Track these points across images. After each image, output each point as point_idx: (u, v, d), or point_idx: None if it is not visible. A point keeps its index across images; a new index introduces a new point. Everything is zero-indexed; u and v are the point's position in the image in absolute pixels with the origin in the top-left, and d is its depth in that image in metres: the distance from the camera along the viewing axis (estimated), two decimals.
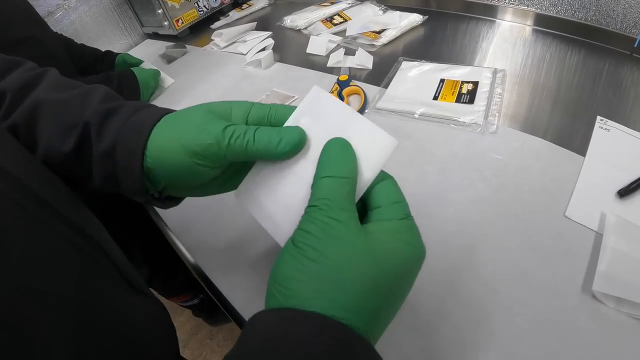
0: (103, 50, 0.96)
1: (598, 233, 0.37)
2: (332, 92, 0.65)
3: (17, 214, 0.18)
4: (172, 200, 0.32)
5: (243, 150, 0.24)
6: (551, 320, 0.31)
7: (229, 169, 0.29)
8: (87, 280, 0.20)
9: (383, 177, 0.24)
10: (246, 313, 0.36)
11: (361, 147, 0.24)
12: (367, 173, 0.23)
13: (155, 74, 0.85)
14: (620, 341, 0.30)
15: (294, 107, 0.27)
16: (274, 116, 0.27)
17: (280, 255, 0.21)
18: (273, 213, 0.26)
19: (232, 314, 0.37)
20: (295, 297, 0.19)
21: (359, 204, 0.23)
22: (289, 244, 0.21)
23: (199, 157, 0.25)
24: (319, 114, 0.26)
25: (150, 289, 1.01)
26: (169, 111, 0.28)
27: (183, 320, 1.31)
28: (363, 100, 0.59)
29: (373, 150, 0.24)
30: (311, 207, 0.21)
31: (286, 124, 0.26)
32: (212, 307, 1.16)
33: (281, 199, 0.26)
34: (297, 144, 0.24)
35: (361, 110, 0.58)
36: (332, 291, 0.19)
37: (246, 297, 0.37)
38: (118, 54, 0.95)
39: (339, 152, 0.23)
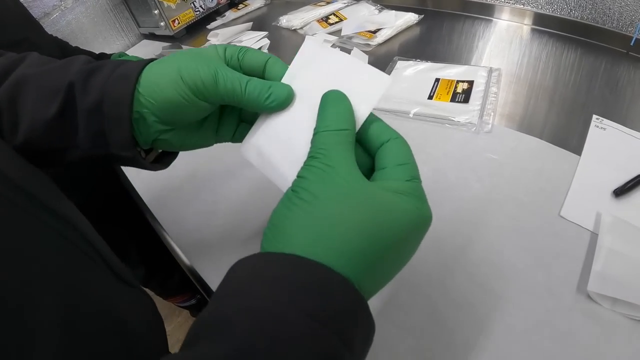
0: (97, 53, 0.96)
1: (593, 233, 0.37)
2: None
3: (6, 207, 0.18)
4: (159, 163, 0.32)
5: (238, 96, 0.26)
6: (546, 321, 0.31)
7: (225, 112, 0.30)
8: (74, 267, 0.21)
9: (391, 136, 0.23)
10: None
11: (355, 86, 0.24)
12: (362, 108, 0.24)
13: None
14: (616, 341, 0.30)
15: (287, 66, 0.28)
16: (269, 70, 0.28)
17: (276, 208, 0.21)
18: (276, 163, 0.27)
19: None
20: (281, 234, 0.19)
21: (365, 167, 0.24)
22: (288, 190, 0.21)
23: (196, 90, 0.26)
24: (313, 63, 0.27)
25: (148, 289, 1.02)
26: (151, 60, 0.29)
27: (181, 321, 1.31)
28: None
29: (367, 88, 0.24)
30: (309, 157, 0.21)
31: (283, 79, 0.27)
32: None
33: (284, 148, 0.26)
34: (284, 101, 0.26)
35: None
36: (318, 228, 0.18)
37: None
38: (112, 54, 0.95)
39: (335, 105, 0.23)
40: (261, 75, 0.28)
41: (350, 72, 0.25)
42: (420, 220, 0.21)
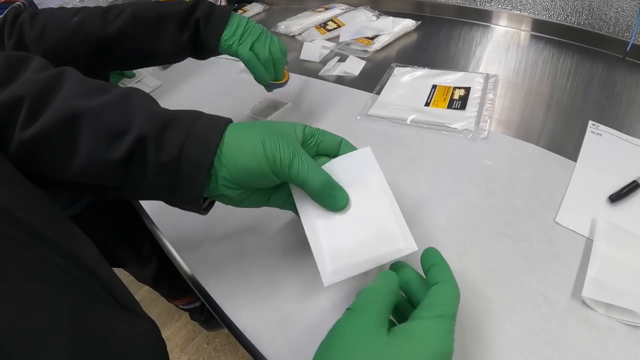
0: None
1: (588, 239, 0.38)
2: None
3: (8, 245, 0.19)
4: (211, 205, 0.35)
5: (306, 183, 0.30)
6: (540, 327, 0.32)
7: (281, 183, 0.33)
8: (79, 304, 0.21)
9: (444, 279, 0.26)
10: (239, 320, 0.37)
11: (377, 227, 0.30)
12: (371, 254, 0.29)
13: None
14: (610, 347, 0.30)
15: (345, 144, 0.34)
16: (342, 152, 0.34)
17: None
18: (322, 245, 0.30)
19: (224, 321, 0.38)
20: None
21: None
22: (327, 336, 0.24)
23: (274, 165, 0.29)
24: (357, 173, 0.33)
25: (157, 290, 1.02)
26: (229, 120, 0.31)
27: (179, 326, 1.32)
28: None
29: (387, 244, 0.30)
30: (348, 309, 0.24)
31: (328, 165, 0.33)
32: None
33: (333, 238, 0.31)
34: (341, 208, 0.31)
35: None
36: None
37: (239, 305, 0.38)
38: None
39: (385, 277, 0.27)
40: (335, 154, 0.34)
41: (382, 210, 0.31)
42: (441, 355, 0.22)
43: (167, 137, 0.29)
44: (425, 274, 0.28)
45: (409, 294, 0.28)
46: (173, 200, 0.31)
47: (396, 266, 0.30)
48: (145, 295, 1.34)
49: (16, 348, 0.16)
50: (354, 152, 0.34)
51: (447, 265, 0.28)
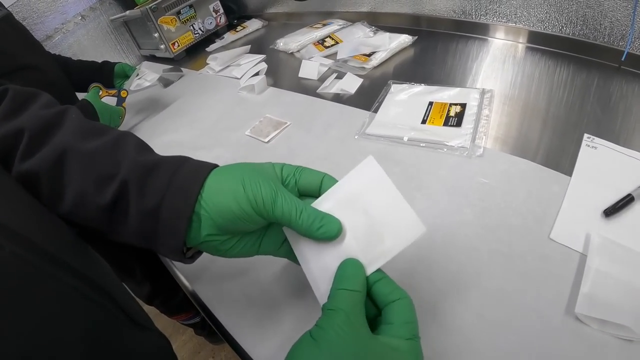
0: (100, 62, 1.03)
1: (583, 254, 0.39)
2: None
3: (31, 272, 0.21)
4: (198, 254, 0.35)
5: (292, 220, 0.29)
6: (535, 343, 0.34)
7: (271, 227, 0.34)
8: (96, 324, 0.24)
9: (401, 295, 0.28)
10: (243, 340, 0.39)
11: (392, 222, 0.29)
12: (390, 247, 0.29)
13: (119, 112, 0.87)
14: None
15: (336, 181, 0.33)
16: (324, 188, 0.33)
17: (297, 342, 0.26)
18: (315, 272, 0.31)
19: (230, 342, 0.40)
20: None
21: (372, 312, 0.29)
22: (307, 335, 0.26)
23: (256, 206, 0.29)
24: (362, 189, 0.31)
25: (152, 306, 1.06)
26: (213, 166, 0.32)
27: (185, 339, 1.36)
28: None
29: (401, 230, 0.29)
30: (329, 310, 0.26)
31: (332, 189, 0.32)
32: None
33: (321, 261, 0.31)
34: (334, 235, 0.29)
35: None
36: None
37: (243, 324, 0.41)
38: (116, 63, 1.01)
39: (353, 270, 0.28)
40: (317, 192, 0.33)
41: (393, 209, 0.30)
42: None
43: (148, 185, 0.30)
44: (371, 290, 0.29)
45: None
46: (156, 248, 0.31)
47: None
48: (150, 309, 1.38)
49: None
50: (358, 167, 0.32)
51: (391, 279, 0.29)
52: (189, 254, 0.34)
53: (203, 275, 0.47)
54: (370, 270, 0.29)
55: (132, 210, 0.30)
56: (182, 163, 0.32)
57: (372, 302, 0.29)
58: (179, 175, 0.30)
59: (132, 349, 0.27)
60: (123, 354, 0.26)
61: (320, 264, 0.31)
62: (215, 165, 0.32)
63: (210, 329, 1.22)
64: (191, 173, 0.30)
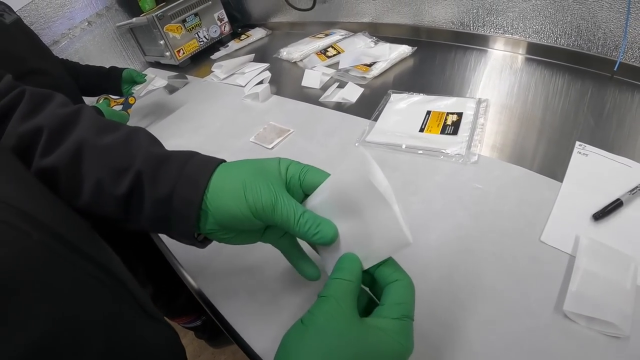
0: (108, 67, 1.05)
1: (572, 256, 0.41)
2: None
3: (54, 259, 0.22)
4: (209, 240, 0.38)
5: (290, 225, 0.31)
6: (525, 339, 0.36)
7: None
8: (111, 309, 0.26)
9: (399, 277, 0.29)
10: (247, 335, 0.41)
11: (379, 232, 0.29)
12: (375, 254, 0.30)
13: (124, 117, 0.89)
14: (592, 357, 0.34)
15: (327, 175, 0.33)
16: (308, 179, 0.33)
17: (289, 328, 0.28)
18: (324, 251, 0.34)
19: (234, 337, 0.42)
20: (292, 357, 0.26)
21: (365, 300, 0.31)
22: (299, 321, 0.27)
23: (255, 211, 0.31)
24: (352, 187, 0.31)
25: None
26: (220, 161, 0.34)
27: (186, 342, 1.36)
28: None
29: (386, 240, 0.29)
30: (321, 297, 0.28)
31: (321, 187, 0.32)
32: (214, 329, 1.21)
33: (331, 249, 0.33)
34: (330, 240, 0.31)
35: None
36: (320, 356, 0.25)
37: (246, 321, 0.43)
38: (124, 69, 1.03)
39: (348, 263, 0.30)
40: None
41: (380, 216, 0.29)
42: (402, 355, 0.27)
43: (161, 175, 0.32)
44: (374, 273, 0.30)
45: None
46: (169, 233, 0.35)
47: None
48: None
49: (64, 343, 0.20)
50: (349, 163, 0.31)
51: (396, 262, 0.30)
52: (200, 238, 0.36)
53: (207, 273, 0.49)
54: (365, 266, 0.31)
55: (146, 199, 0.32)
56: (191, 156, 0.34)
57: (377, 287, 0.31)
58: (188, 167, 0.32)
59: (144, 338, 0.29)
60: (136, 343, 0.28)
61: (330, 263, 0.33)
62: (222, 160, 0.34)
63: (211, 332, 1.24)
64: (200, 166, 0.33)
